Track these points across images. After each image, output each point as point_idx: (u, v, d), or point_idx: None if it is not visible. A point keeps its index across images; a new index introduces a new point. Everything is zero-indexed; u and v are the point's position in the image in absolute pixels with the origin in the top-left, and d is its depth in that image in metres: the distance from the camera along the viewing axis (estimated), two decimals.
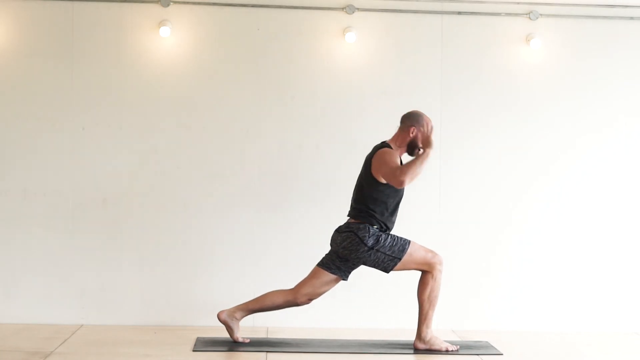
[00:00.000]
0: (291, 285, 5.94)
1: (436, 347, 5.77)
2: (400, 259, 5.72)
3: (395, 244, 5.73)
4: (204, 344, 5.82)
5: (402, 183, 5.60)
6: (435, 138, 5.78)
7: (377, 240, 5.71)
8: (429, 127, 5.82)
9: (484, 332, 6.39)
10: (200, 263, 6.46)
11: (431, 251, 5.78)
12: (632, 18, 6.58)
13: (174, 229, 6.45)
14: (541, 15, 6.54)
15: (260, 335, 6.18)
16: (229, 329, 5.86)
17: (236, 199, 6.47)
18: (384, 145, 5.83)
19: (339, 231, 5.83)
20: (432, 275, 5.75)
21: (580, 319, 6.59)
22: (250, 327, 6.34)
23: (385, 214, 5.79)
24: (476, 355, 5.72)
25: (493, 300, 6.58)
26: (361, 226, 5.74)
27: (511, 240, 6.58)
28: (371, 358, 5.63)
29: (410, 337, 6.04)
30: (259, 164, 6.49)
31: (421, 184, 6.52)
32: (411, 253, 5.74)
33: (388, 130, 6.51)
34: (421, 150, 5.77)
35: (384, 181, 5.73)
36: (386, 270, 5.77)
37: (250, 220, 6.48)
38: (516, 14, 6.55)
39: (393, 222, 5.86)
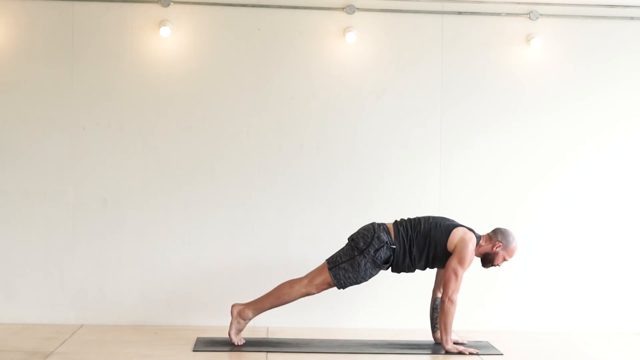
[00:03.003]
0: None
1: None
2: (349, 280, 5.73)
3: (362, 270, 5.73)
4: (204, 344, 5.82)
5: (450, 294, 5.70)
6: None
7: (375, 255, 5.71)
8: (511, 254, 5.85)
9: (484, 332, 6.39)
10: (200, 263, 6.46)
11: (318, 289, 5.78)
12: (632, 18, 6.58)
13: (174, 229, 6.45)
14: (541, 15, 6.54)
15: (260, 335, 6.18)
16: (235, 325, 5.80)
17: (236, 198, 6.47)
18: (475, 233, 5.82)
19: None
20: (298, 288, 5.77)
21: (580, 319, 6.59)
22: (251, 327, 6.33)
23: (419, 259, 5.80)
24: (476, 355, 5.72)
25: (493, 301, 6.58)
26: (384, 236, 5.74)
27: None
28: (371, 358, 5.63)
29: (410, 337, 6.06)
30: (259, 163, 6.49)
31: (422, 183, 6.53)
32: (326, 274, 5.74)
33: (388, 130, 6.52)
34: (494, 266, 5.86)
35: (449, 250, 5.78)
36: (337, 279, 5.74)
37: (250, 220, 6.48)
38: (516, 14, 6.55)
39: (408, 267, 5.84)
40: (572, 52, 6.59)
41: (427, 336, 6.07)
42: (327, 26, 6.50)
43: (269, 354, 5.64)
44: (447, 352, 5.72)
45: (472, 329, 6.43)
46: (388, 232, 5.78)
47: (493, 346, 5.95)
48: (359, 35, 6.48)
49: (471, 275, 6.40)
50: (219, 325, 6.20)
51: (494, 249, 5.80)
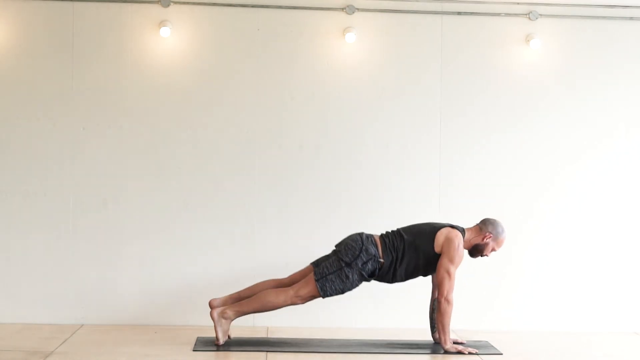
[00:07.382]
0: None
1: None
2: (335, 290, 5.73)
3: (349, 282, 5.73)
4: (204, 344, 5.83)
5: (446, 294, 5.70)
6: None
7: (362, 267, 5.71)
8: (500, 245, 5.86)
9: (484, 332, 6.39)
10: (200, 263, 6.46)
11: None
12: (631, 18, 6.58)
13: (174, 229, 6.45)
14: (541, 15, 6.55)
15: (260, 335, 6.18)
16: (220, 328, 5.79)
17: (236, 198, 6.47)
18: (458, 228, 5.82)
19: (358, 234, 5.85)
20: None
21: (580, 319, 6.60)
22: (251, 326, 6.34)
23: (407, 269, 5.79)
24: (476, 355, 5.72)
25: (493, 300, 6.58)
26: (372, 249, 5.74)
27: (511, 240, 6.57)
28: (371, 358, 5.63)
29: (410, 337, 6.06)
30: (259, 164, 6.49)
31: (421, 183, 6.53)
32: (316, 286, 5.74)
33: (388, 129, 6.52)
34: (482, 256, 5.86)
35: (437, 252, 5.77)
36: (324, 290, 5.74)
37: (250, 220, 6.48)
38: (516, 14, 6.56)
39: (398, 278, 5.84)
40: (571, 52, 6.59)
41: (427, 336, 6.07)
42: (327, 26, 6.50)
43: (269, 353, 5.64)
44: (446, 352, 5.73)
45: (472, 328, 6.44)
46: (376, 245, 5.79)
47: (493, 346, 5.95)
48: (358, 36, 6.49)
49: (471, 276, 6.41)
50: None
51: (484, 240, 5.82)
